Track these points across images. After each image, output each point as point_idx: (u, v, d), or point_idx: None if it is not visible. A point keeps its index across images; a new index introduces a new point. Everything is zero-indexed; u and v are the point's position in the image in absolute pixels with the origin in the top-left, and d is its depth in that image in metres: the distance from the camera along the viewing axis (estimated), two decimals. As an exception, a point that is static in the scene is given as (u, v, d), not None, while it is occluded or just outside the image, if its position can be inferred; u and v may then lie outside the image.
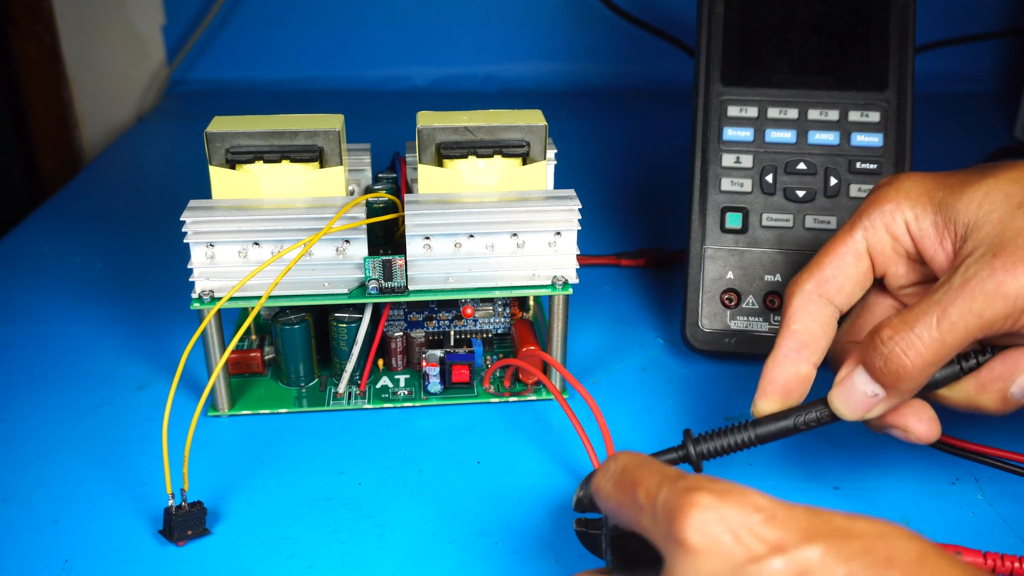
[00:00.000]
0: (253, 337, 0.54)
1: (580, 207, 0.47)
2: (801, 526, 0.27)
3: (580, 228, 0.47)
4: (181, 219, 0.45)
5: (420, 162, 0.48)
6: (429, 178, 0.48)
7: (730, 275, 0.53)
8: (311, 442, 0.48)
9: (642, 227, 0.73)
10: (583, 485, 0.37)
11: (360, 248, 0.46)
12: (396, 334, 0.52)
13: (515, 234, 0.47)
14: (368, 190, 0.54)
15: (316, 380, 0.52)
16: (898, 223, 0.39)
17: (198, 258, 0.46)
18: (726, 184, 0.54)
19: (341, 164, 0.48)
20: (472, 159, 0.48)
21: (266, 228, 0.45)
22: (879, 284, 0.42)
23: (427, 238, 0.46)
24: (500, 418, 0.50)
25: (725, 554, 0.26)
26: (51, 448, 0.47)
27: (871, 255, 0.40)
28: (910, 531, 0.28)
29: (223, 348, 0.47)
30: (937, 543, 0.30)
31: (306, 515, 0.43)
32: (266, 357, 0.52)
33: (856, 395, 0.37)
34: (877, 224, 0.40)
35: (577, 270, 0.48)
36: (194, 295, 0.46)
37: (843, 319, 0.42)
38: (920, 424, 0.38)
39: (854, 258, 0.40)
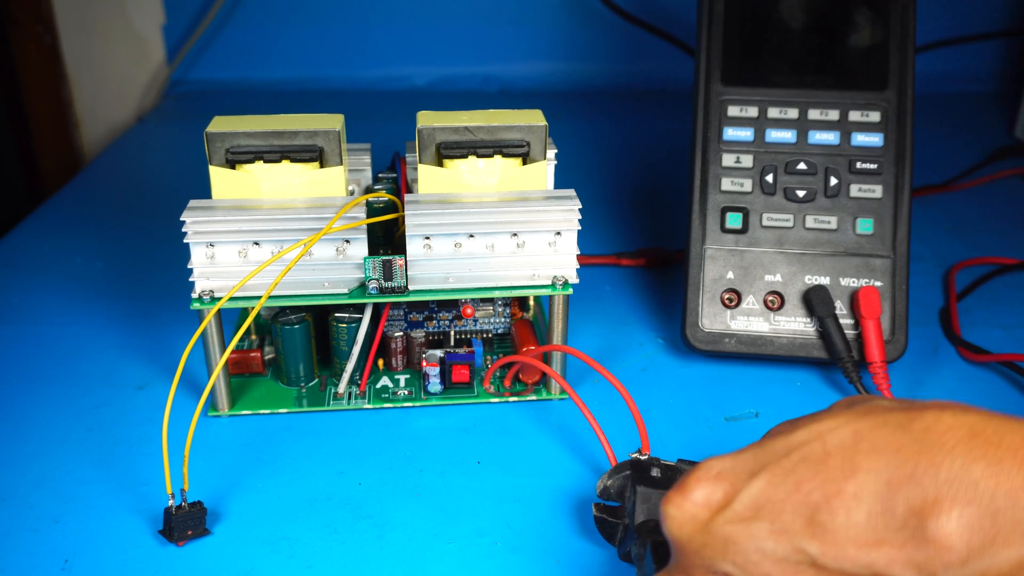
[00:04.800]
0: (253, 337, 0.54)
1: (580, 207, 0.47)
2: (748, 467, 0.29)
3: (580, 228, 0.47)
4: (181, 219, 0.45)
5: (420, 162, 0.48)
6: (429, 178, 0.48)
7: (730, 275, 0.53)
8: (311, 442, 0.47)
9: (642, 227, 0.73)
10: (609, 474, 0.38)
11: (360, 248, 0.46)
12: (396, 334, 0.52)
13: (515, 234, 0.47)
14: (368, 190, 0.54)
15: (316, 380, 0.52)
16: None
17: (198, 258, 0.46)
18: (726, 184, 0.54)
19: (341, 164, 0.48)
20: (472, 159, 0.48)
21: (266, 228, 0.45)
22: None
23: (427, 238, 0.46)
24: (500, 418, 0.50)
25: (698, 524, 0.29)
26: (51, 448, 0.47)
27: None
28: (848, 417, 0.28)
29: (223, 348, 0.47)
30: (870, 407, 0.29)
31: (306, 515, 0.43)
32: (266, 357, 0.52)
33: None
34: None
35: (577, 270, 0.48)
36: (194, 295, 0.46)
37: None
38: None
39: None
